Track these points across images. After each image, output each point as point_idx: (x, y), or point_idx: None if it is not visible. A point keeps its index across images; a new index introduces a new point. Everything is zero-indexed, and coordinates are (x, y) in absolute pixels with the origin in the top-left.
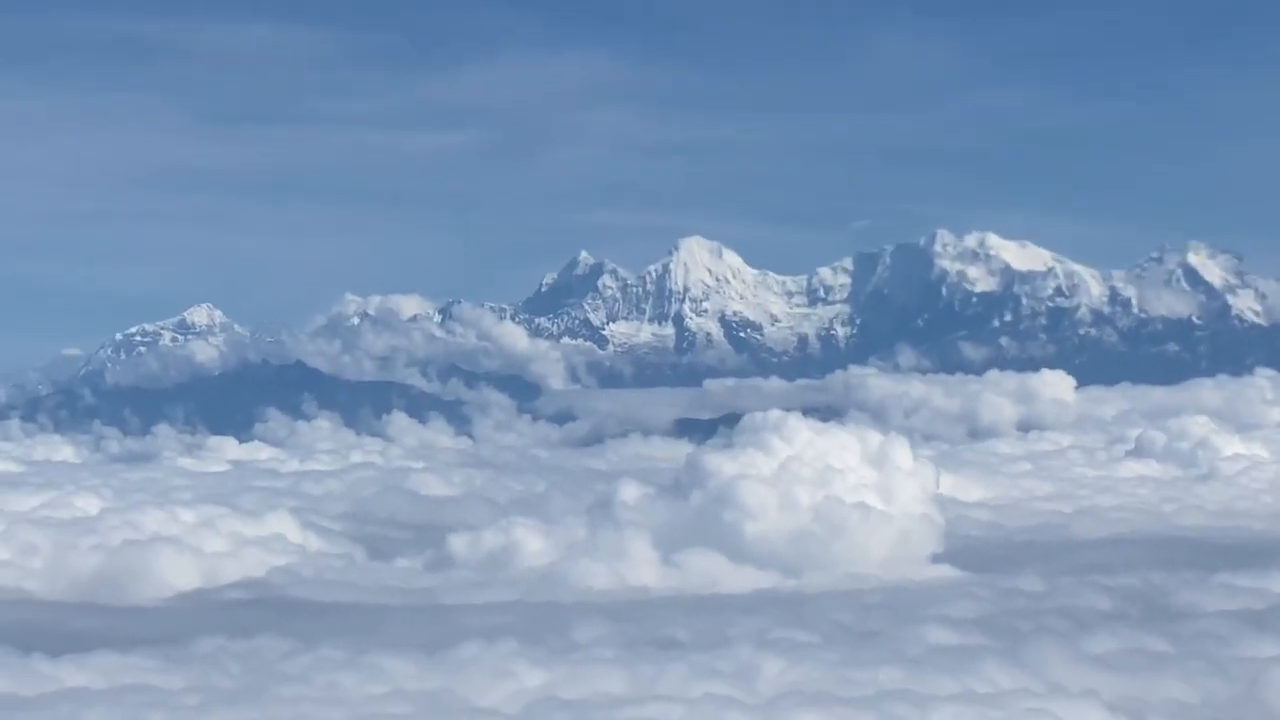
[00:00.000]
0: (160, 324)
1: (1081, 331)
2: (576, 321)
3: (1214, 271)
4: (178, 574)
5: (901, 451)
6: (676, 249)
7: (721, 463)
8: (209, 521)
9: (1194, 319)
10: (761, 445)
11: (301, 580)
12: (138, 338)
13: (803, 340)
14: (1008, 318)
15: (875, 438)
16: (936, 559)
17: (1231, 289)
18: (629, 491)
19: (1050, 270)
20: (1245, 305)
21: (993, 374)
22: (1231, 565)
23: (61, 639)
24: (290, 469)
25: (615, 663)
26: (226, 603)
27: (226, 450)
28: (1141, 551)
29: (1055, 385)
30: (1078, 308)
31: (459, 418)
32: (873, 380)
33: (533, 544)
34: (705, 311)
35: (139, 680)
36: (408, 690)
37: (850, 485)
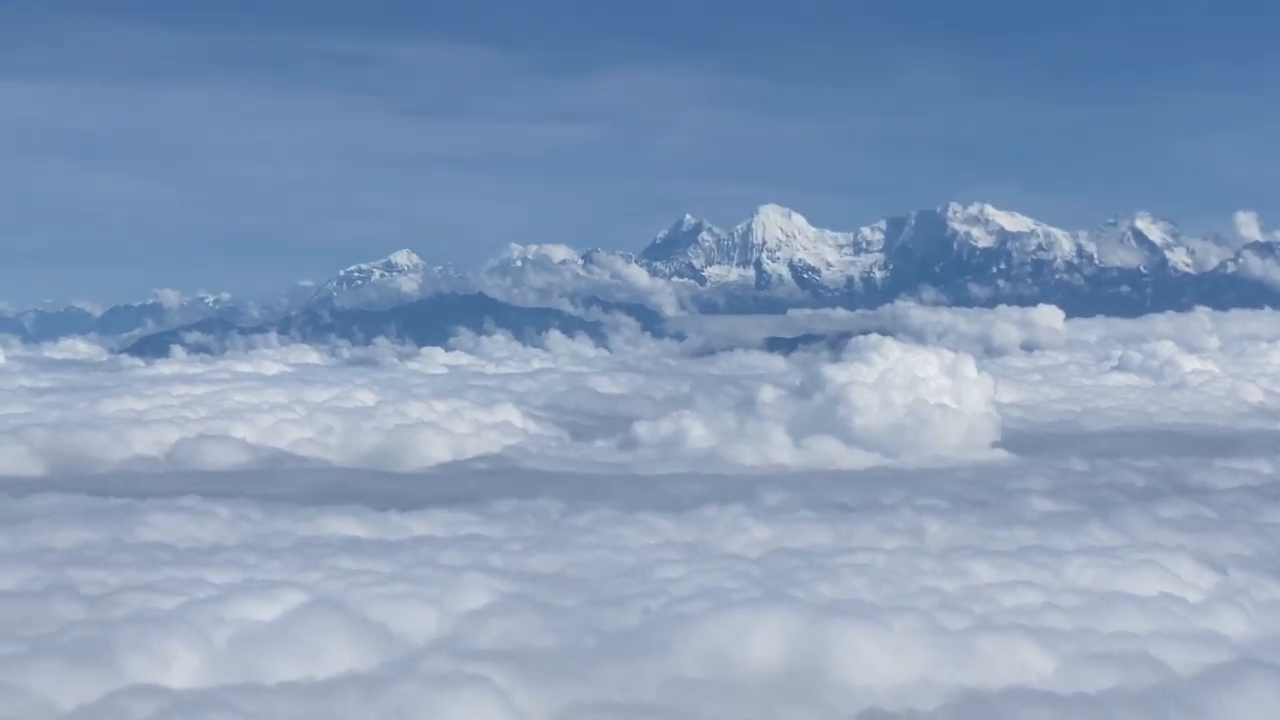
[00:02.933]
0: (373, 264)
1: (1057, 277)
2: (683, 265)
3: (1155, 233)
4: (437, 449)
5: (967, 366)
6: (756, 213)
7: (836, 372)
8: (455, 410)
9: (1141, 269)
10: (865, 360)
11: (530, 455)
12: (355, 274)
13: (849, 281)
14: (1002, 266)
15: (948, 355)
16: (995, 445)
17: (1169, 246)
18: (766, 393)
19: (1033, 232)
20: (1179, 259)
21: (1001, 308)
22: (1215, 453)
23: (382, 497)
24: (491, 372)
25: (816, 521)
26: (477, 472)
27: (436, 358)
28: (1144, 442)
29: (1049, 316)
30: (1054, 260)
31: (599, 335)
32: (913, 311)
33: (696, 430)
34: (778, 259)
35: (471, 531)
36: (675, 541)
37: (931, 389)
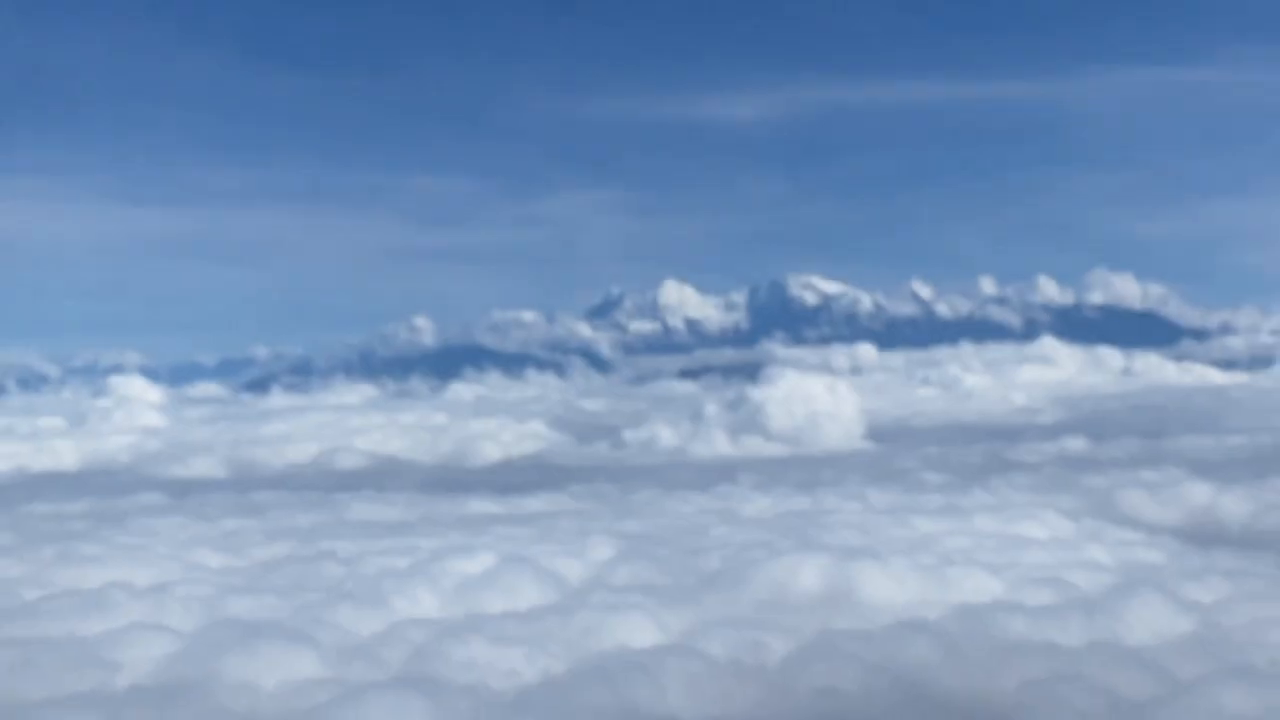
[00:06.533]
0: (399, 324)
1: (863, 324)
2: (613, 321)
3: (925, 291)
4: (495, 451)
5: (840, 385)
6: (662, 285)
7: (754, 392)
8: (500, 425)
9: (918, 316)
10: (772, 383)
11: (557, 454)
12: (388, 331)
13: (724, 329)
14: (826, 317)
15: (828, 378)
16: (864, 438)
17: (934, 300)
18: (709, 407)
19: (844, 293)
20: (942, 309)
21: (833, 346)
22: (1011, 439)
23: (484, 485)
24: (504, 398)
25: (793, 494)
26: (529, 465)
27: (462, 391)
28: (961, 433)
29: (865, 351)
30: (860, 311)
31: (561, 371)
32: (776, 350)
33: (664, 434)
34: (676, 315)
35: (567, 506)
36: (709, 510)
37: (818, 401)
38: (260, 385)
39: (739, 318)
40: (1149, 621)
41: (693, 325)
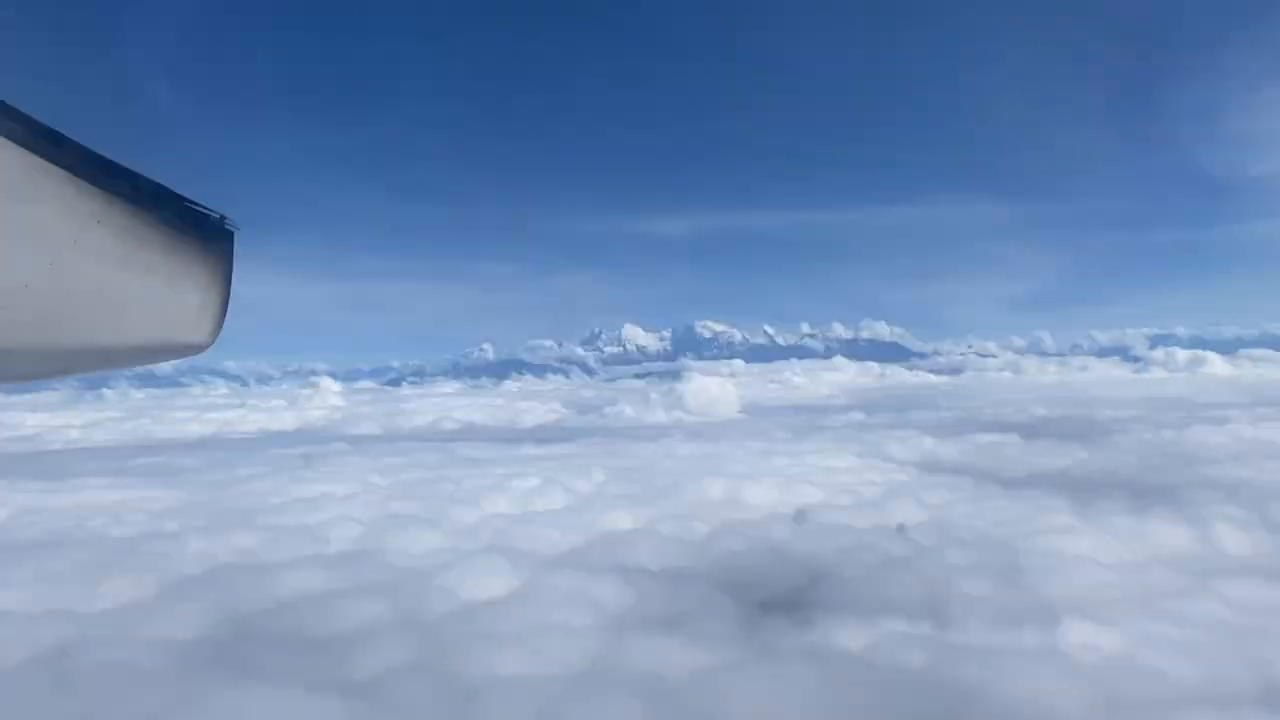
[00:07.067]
0: (472, 348)
1: (736, 347)
2: (597, 347)
3: (775, 332)
4: (533, 420)
5: (726, 381)
6: (623, 328)
7: (681, 386)
8: (534, 404)
9: (766, 344)
10: (691, 379)
11: (568, 422)
12: (467, 350)
13: (658, 352)
14: (716, 344)
15: (720, 380)
16: (740, 412)
17: (781, 334)
18: (653, 396)
19: (727, 330)
20: (784, 339)
21: (720, 362)
22: (824, 413)
23: (535, 439)
24: (536, 390)
25: (733, 441)
26: (554, 427)
27: (511, 386)
28: (791, 409)
29: (737, 365)
30: (736, 341)
31: (567, 375)
32: (689, 363)
33: (628, 411)
34: (631, 344)
35: (574, 451)
36: (683, 450)
37: (716, 390)
38: (395, 382)
39: (667, 344)
40: (904, 514)
41: (641, 348)
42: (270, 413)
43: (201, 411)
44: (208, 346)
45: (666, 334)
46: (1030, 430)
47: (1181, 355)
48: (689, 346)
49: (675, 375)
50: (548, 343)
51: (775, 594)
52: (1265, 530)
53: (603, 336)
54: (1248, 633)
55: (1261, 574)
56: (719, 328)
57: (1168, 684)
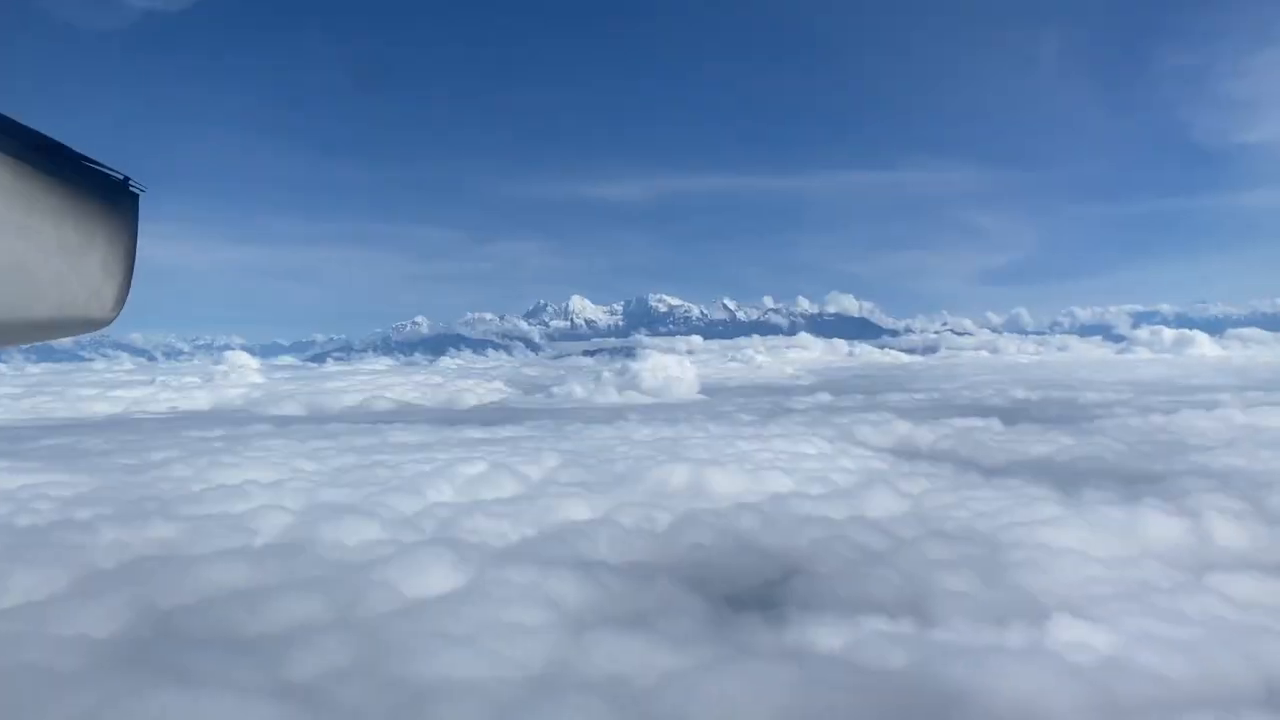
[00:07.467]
0: (405, 321)
1: (694, 323)
2: (541, 320)
3: (733, 306)
4: (474, 399)
5: (685, 360)
6: (570, 299)
7: (634, 364)
8: (475, 383)
9: (725, 320)
10: (645, 357)
11: (513, 402)
12: (399, 325)
13: (609, 327)
14: (671, 319)
15: (677, 357)
16: (699, 393)
17: (738, 309)
18: (605, 375)
19: (682, 305)
20: (742, 315)
21: (676, 337)
22: (788, 394)
23: (473, 420)
24: (475, 366)
25: (691, 424)
26: (498, 409)
27: (449, 362)
28: (755, 391)
29: (694, 341)
30: (692, 316)
31: (509, 352)
32: (642, 338)
33: (577, 390)
34: (579, 317)
35: (525, 434)
36: (634, 435)
37: (673, 369)
38: (319, 358)
39: (618, 319)
40: (881, 503)
41: (590, 323)
42: (183, 391)
43: (107, 389)
44: (111, 320)
45: (618, 307)
46: (1011, 414)
47: (1168, 335)
48: (642, 321)
49: (628, 352)
50: (488, 316)
51: (746, 589)
52: (1261, 522)
53: (548, 309)
54: (1246, 630)
55: (1258, 568)
56: (675, 301)
57: (1164, 685)
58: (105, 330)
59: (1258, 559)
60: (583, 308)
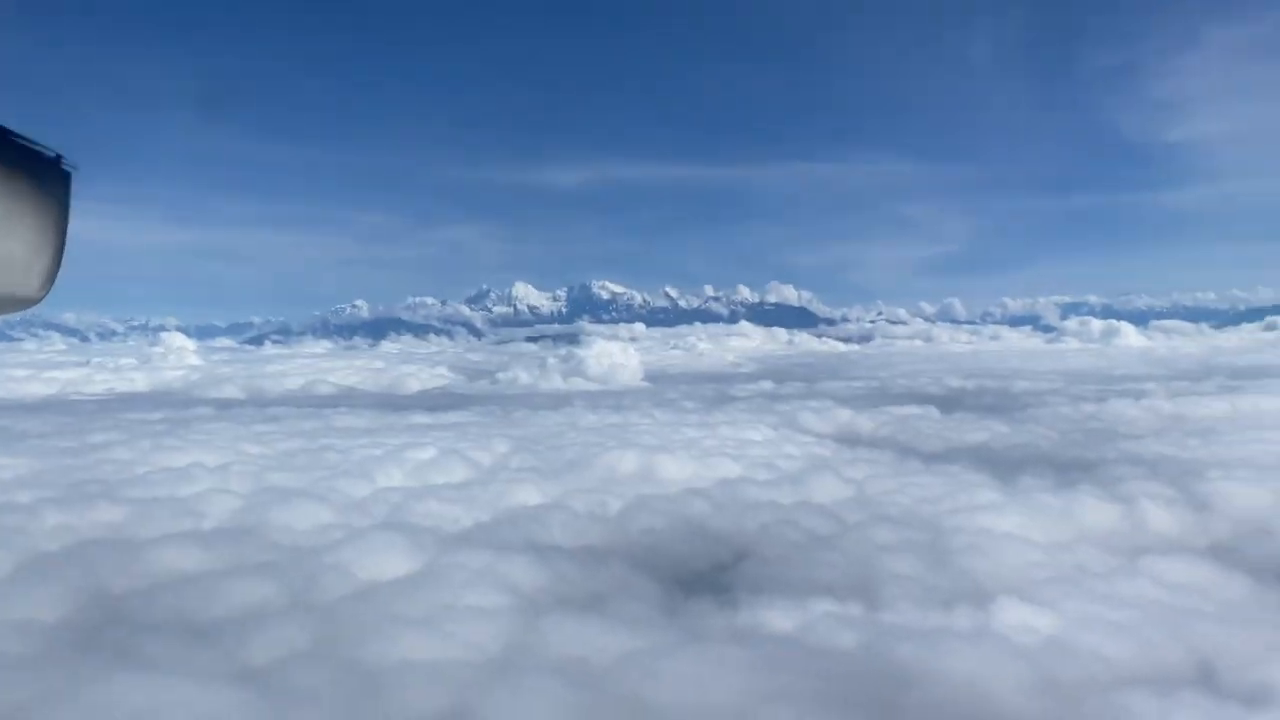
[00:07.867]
0: (345, 305)
1: (636, 310)
2: (484, 306)
3: (675, 294)
4: (417, 385)
5: (629, 347)
6: (513, 285)
7: (579, 350)
8: (419, 368)
9: (668, 307)
10: (590, 344)
11: (457, 388)
12: (338, 308)
13: (552, 313)
14: (614, 306)
15: (620, 344)
16: (643, 380)
17: (681, 296)
18: (550, 361)
19: (625, 292)
20: (685, 303)
21: (620, 325)
22: (737, 382)
23: (416, 406)
24: (418, 352)
25: (640, 411)
26: (441, 394)
27: (390, 346)
28: (697, 378)
29: (637, 330)
30: (635, 304)
31: (451, 337)
32: (586, 325)
33: (523, 377)
34: (522, 304)
35: (471, 420)
36: (585, 421)
37: (617, 356)
38: (256, 341)
39: (561, 305)
40: (826, 488)
41: (533, 309)
42: (119, 372)
43: (40, 369)
44: (39, 299)
45: (561, 294)
46: (947, 402)
47: (1096, 325)
48: (585, 308)
49: (571, 339)
50: (429, 301)
51: (697, 573)
52: (1190, 508)
53: (491, 295)
54: (1178, 612)
55: (1189, 552)
56: (618, 289)
57: (1103, 664)
58: (34, 309)
59: (1188, 543)
60: (526, 294)
